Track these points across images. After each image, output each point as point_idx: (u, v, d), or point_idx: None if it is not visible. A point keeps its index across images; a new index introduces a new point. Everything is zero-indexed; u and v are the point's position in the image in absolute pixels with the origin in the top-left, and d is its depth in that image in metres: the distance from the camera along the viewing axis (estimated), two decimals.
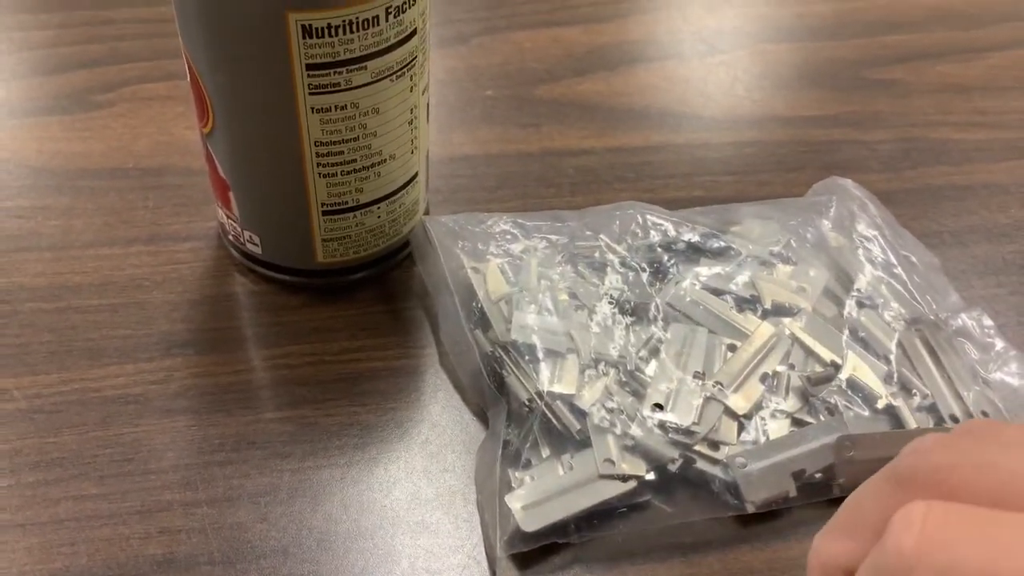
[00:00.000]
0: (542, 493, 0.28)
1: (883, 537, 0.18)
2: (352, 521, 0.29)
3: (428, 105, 0.33)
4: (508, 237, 0.35)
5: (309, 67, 0.28)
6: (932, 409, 0.31)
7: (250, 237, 0.34)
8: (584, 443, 0.29)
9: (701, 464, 0.29)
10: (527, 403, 0.30)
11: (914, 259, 0.36)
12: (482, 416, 0.32)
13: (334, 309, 0.34)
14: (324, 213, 0.32)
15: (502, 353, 0.31)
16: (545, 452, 0.29)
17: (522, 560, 0.28)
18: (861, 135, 0.44)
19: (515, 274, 0.33)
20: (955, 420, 0.31)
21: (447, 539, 0.28)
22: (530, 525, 0.27)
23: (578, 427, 0.29)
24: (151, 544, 0.28)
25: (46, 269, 0.35)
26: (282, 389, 0.32)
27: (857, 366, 0.32)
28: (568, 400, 0.30)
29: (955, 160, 0.43)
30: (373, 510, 0.29)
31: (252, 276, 0.35)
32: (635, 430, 0.29)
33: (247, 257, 0.35)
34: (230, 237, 0.35)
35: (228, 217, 0.34)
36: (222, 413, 0.31)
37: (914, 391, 0.31)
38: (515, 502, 0.28)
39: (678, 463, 0.29)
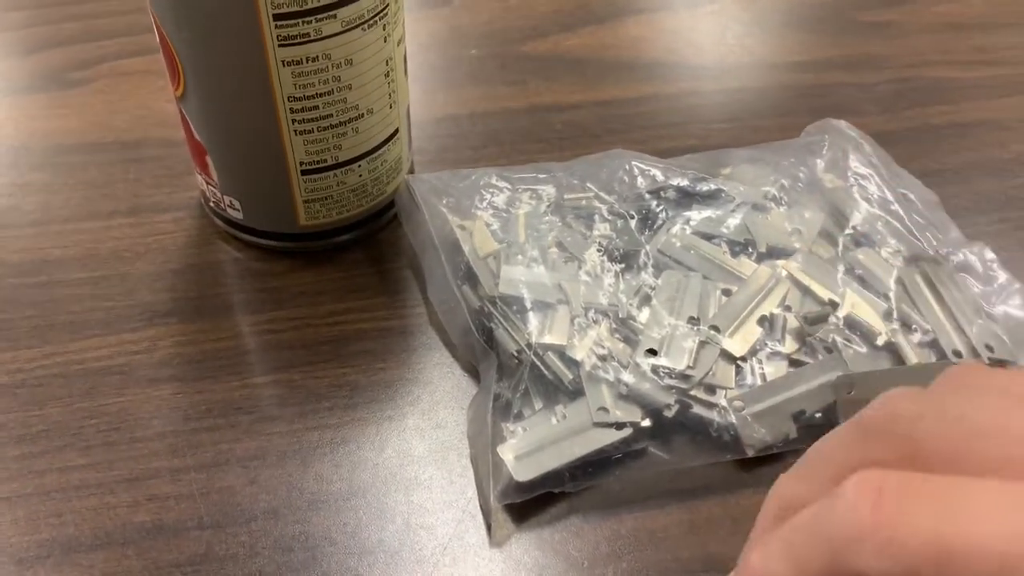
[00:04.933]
0: (535, 443, 0.27)
1: (835, 495, 0.18)
2: (344, 481, 0.28)
3: (405, 58, 0.32)
4: (493, 191, 0.34)
5: (276, 17, 0.27)
6: (934, 344, 0.30)
7: (231, 202, 0.33)
8: (577, 393, 0.29)
9: (698, 409, 0.28)
10: (516, 355, 0.29)
11: (912, 196, 0.35)
12: (473, 372, 0.31)
13: (320, 273, 0.34)
14: (303, 172, 0.31)
15: (491, 308, 0.31)
16: (538, 404, 0.29)
17: (518, 512, 0.27)
18: (856, 78, 0.43)
19: (502, 228, 0.33)
20: (958, 355, 0.30)
21: (441, 494, 0.28)
22: (523, 475, 0.27)
23: (570, 377, 0.29)
24: (139, 511, 0.27)
25: (28, 245, 0.35)
26: (269, 354, 0.31)
27: (855, 303, 0.31)
28: (559, 351, 0.29)
29: (953, 98, 0.42)
30: (365, 469, 0.28)
31: (235, 243, 0.35)
32: (628, 377, 0.28)
33: (229, 224, 0.34)
34: (211, 204, 0.34)
35: (208, 183, 0.33)
36: (208, 380, 0.30)
37: (915, 327, 0.30)
38: (507, 453, 0.27)
39: (674, 408, 0.28)
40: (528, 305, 0.30)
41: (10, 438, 0.29)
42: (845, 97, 0.42)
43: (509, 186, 0.34)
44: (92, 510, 0.27)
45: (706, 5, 0.48)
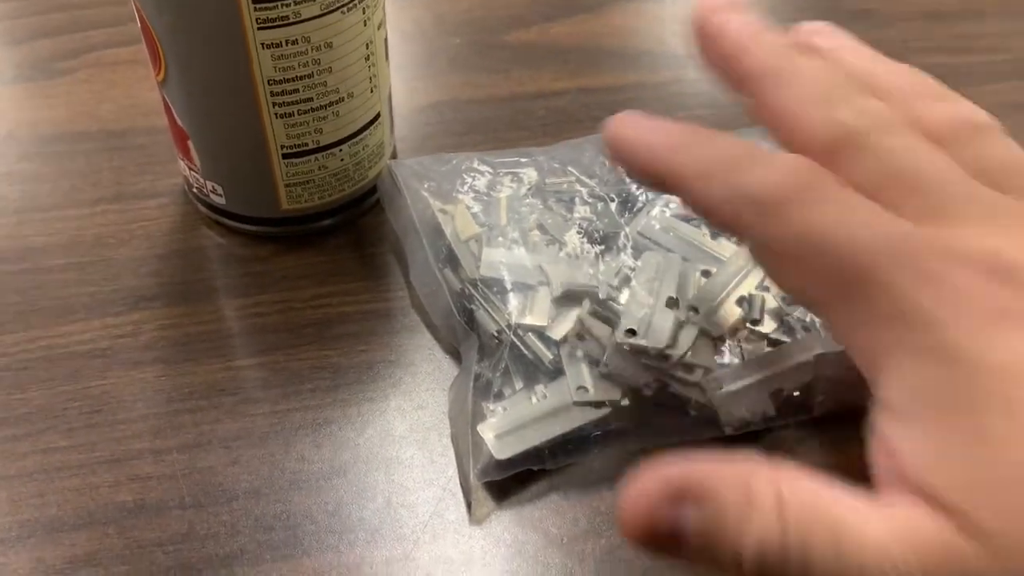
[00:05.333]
0: (515, 422, 0.28)
1: (767, 163, 0.22)
2: (325, 460, 0.28)
3: (385, 42, 0.33)
4: (474, 175, 0.34)
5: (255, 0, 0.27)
6: None
7: (213, 188, 0.33)
8: (557, 373, 0.29)
9: (676, 388, 0.29)
10: (497, 335, 0.29)
11: None
12: (454, 354, 0.31)
13: (303, 257, 0.34)
14: (284, 156, 0.32)
15: (472, 290, 0.31)
16: (518, 384, 0.29)
17: (498, 490, 0.27)
18: None
19: (484, 212, 0.33)
20: None
21: (421, 473, 0.28)
22: (503, 453, 0.27)
23: (550, 357, 0.29)
24: (121, 491, 0.27)
25: (12, 233, 0.35)
26: (252, 337, 0.32)
27: None
28: (539, 331, 0.29)
29: None
30: (346, 448, 0.29)
31: (218, 228, 0.35)
32: (608, 356, 0.29)
33: (212, 209, 0.34)
34: (194, 190, 0.34)
35: (190, 169, 0.34)
36: (191, 362, 0.31)
37: None
38: (488, 431, 0.27)
39: (652, 387, 0.28)
40: (509, 287, 0.30)
41: None
42: None
43: (490, 170, 0.34)
44: (74, 490, 0.27)
45: None
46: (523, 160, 0.35)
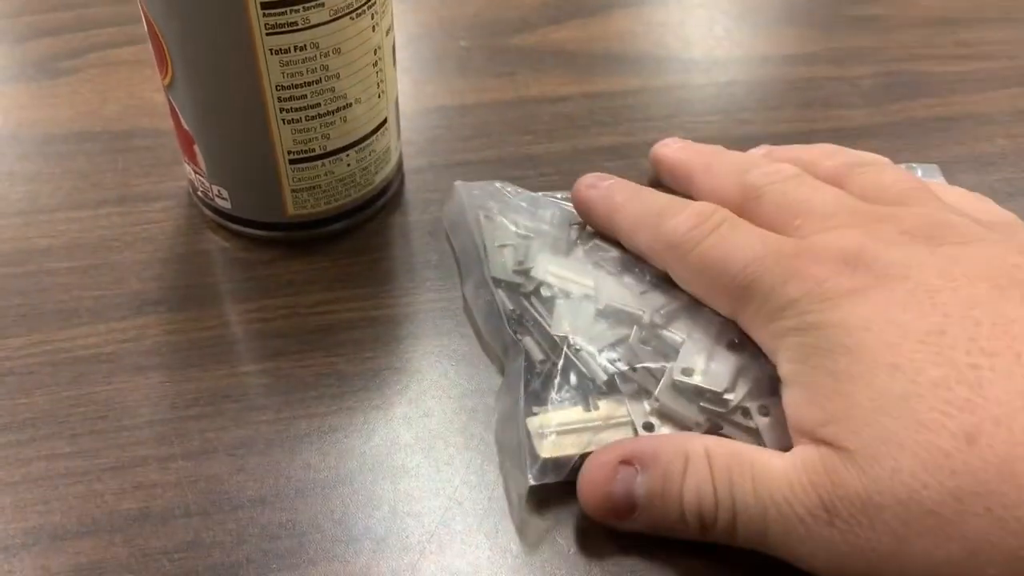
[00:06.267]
0: (570, 426, 0.27)
1: (681, 210, 0.30)
2: (331, 468, 0.28)
3: (393, 48, 0.33)
4: (538, 204, 0.34)
5: (264, 5, 0.27)
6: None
7: (219, 192, 0.33)
8: (608, 390, 0.28)
9: (730, 431, 0.27)
10: (548, 352, 0.29)
11: None
12: (462, 362, 0.31)
13: (308, 262, 0.34)
14: (291, 162, 0.31)
15: (526, 303, 0.31)
16: (567, 394, 0.28)
17: (538, 503, 0.27)
18: (842, 71, 0.44)
19: (539, 230, 0.33)
20: None
21: (427, 482, 0.28)
22: (559, 451, 0.27)
23: (604, 378, 0.28)
24: (126, 499, 0.27)
25: (15, 234, 0.35)
26: (257, 343, 0.32)
27: None
28: (590, 351, 0.29)
29: (939, 92, 0.43)
30: (352, 457, 0.28)
31: (223, 232, 0.35)
32: (661, 391, 0.28)
33: (217, 213, 0.34)
34: (199, 193, 0.34)
35: (196, 172, 0.33)
36: (196, 368, 0.31)
37: None
38: (546, 430, 0.27)
39: (703, 427, 0.28)
40: (562, 302, 0.30)
41: None
42: (832, 91, 0.42)
43: (558, 200, 0.35)
44: (79, 498, 0.27)
45: None
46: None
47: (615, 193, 0.32)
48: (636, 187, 0.32)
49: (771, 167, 0.30)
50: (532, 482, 0.27)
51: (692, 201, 0.30)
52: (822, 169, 0.31)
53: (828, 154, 0.33)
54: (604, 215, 0.32)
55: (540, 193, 0.35)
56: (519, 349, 0.30)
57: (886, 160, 0.33)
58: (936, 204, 0.28)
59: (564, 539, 0.27)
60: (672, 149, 0.35)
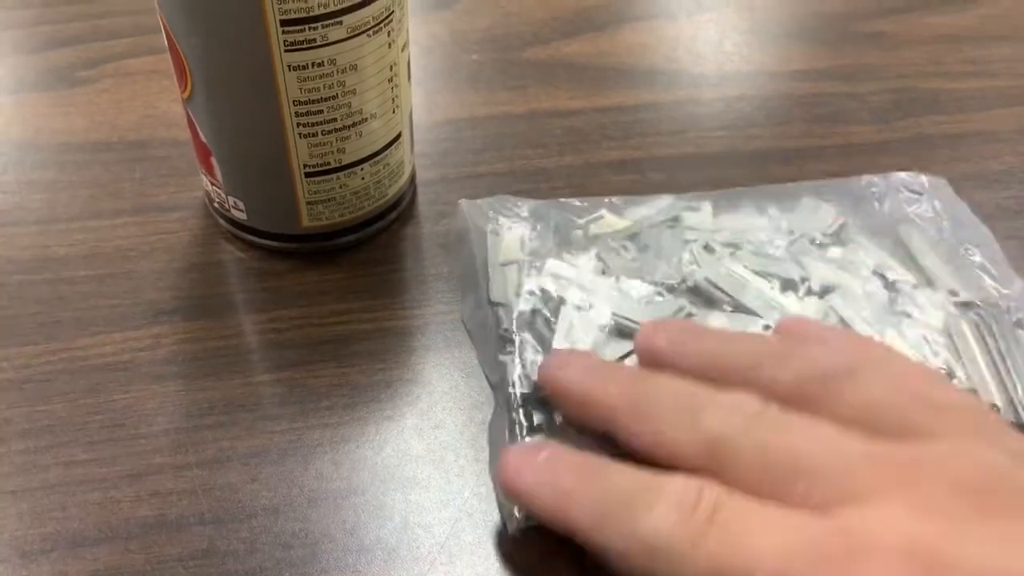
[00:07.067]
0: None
1: (657, 491, 0.23)
2: (343, 479, 0.29)
3: (408, 63, 0.33)
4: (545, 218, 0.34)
5: (284, 23, 0.28)
6: (972, 394, 0.29)
7: (235, 203, 0.34)
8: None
9: None
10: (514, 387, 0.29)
11: (974, 246, 0.34)
12: (472, 375, 0.31)
13: (321, 273, 0.34)
14: (307, 175, 0.32)
15: (513, 332, 0.31)
16: (558, 418, 0.29)
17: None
18: (851, 87, 0.44)
19: (544, 246, 0.33)
20: (996, 408, 0.29)
21: (438, 493, 0.28)
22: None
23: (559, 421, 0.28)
24: (142, 506, 0.28)
25: (33, 242, 0.35)
26: (270, 353, 0.32)
27: (894, 344, 0.30)
28: None
29: (947, 109, 0.43)
30: (364, 467, 0.29)
31: (238, 243, 0.35)
32: None
33: (233, 224, 0.35)
34: (215, 204, 0.35)
35: (212, 184, 0.34)
36: (211, 377, 0.31)
37: (955, 376, 0.30)
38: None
39: None
40: (560, 317, 0.31)
41: (15, 433, 0.29)
42: (840, 107, 0.43)
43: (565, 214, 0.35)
44: (96, 504, 0.28)
45: (705, 13, 0.49)
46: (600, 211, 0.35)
47: (561, 473, 0.25)
48: (583, 459, 0.25)
49: (725, 403, 0.24)
50: (510, 534, 0.27)
51: (664, 477, 0.23)
52: (782, 388, 0.25)
53: (765, 355, 0.26)
54: (551, 505, 0.24)
55: (547, 201, 0.35)
56: (507, 380, 0.30)
57: (843, 340, 0.27)
58: (957, 427, 0.23)
59: (574, 551, 0.27)
60: (566, 382, 0.27)
